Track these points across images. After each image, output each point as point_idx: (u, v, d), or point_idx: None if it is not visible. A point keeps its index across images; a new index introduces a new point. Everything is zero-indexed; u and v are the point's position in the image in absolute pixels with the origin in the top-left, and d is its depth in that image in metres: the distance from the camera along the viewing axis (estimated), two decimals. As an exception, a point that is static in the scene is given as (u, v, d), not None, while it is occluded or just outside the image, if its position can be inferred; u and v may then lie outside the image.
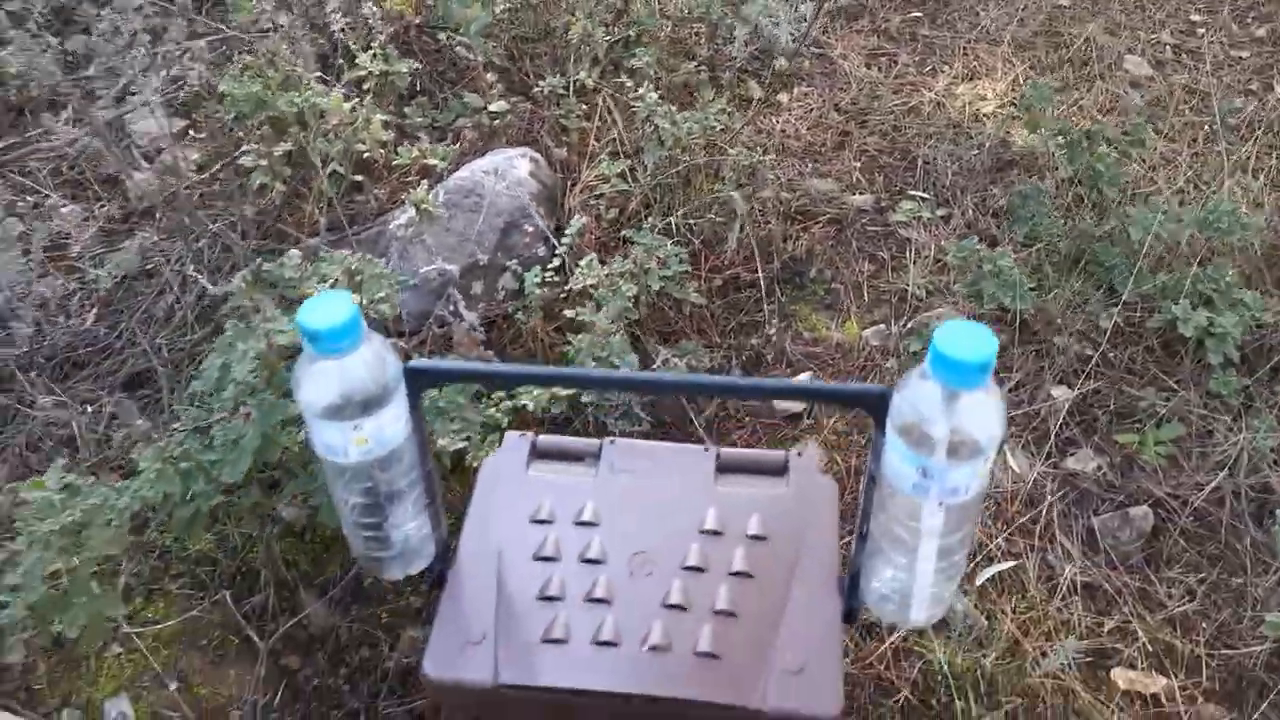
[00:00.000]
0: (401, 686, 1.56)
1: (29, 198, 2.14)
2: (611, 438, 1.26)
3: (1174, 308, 2.00)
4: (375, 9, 1.86)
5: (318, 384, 0.95)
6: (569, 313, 1.89)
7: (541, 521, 1.16)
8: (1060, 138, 2.22)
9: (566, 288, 1.93)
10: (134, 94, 2.38)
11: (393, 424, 0.99)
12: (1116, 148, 2.22)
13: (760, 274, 2.23)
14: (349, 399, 0.95)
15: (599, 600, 1.07)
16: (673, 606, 1.06)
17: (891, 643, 1.61)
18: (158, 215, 2.15)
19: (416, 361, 1.00)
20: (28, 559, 1.10)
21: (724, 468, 1.22)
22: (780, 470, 1.22)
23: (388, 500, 1.04)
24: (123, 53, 1.99)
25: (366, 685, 1.55)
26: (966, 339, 0.86)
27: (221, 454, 1.26)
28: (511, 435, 1.28)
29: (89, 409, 1.79)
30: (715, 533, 1.13)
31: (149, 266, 2.07)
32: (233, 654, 1.57)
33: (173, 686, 1.51)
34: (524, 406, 1.66)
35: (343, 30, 1.91)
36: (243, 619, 1.58)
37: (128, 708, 1.48)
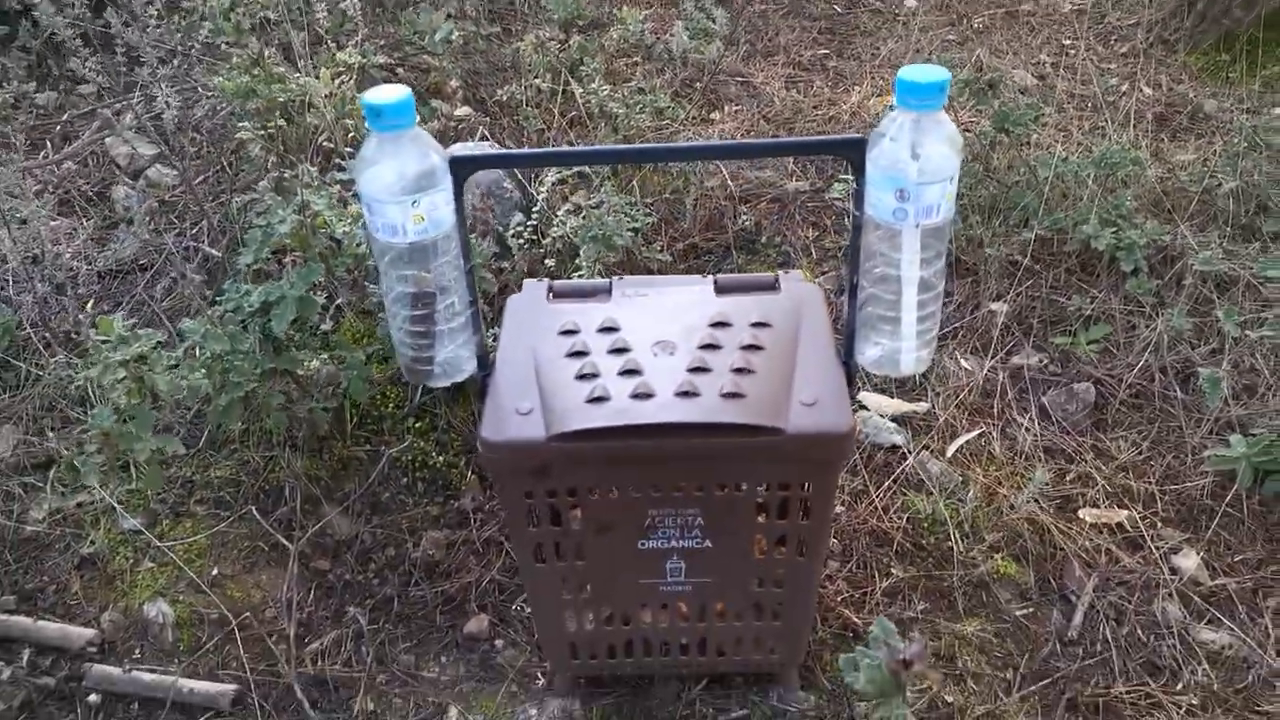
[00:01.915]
0: (428, 578, 1.63)
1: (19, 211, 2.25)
2: (619, 275, 1.41)
3: (1085, 228, 2.26)
4: (356, 3, 2.07)
5: (382, 167, 1.10)
6: (549, 262, 2.06)
7: (568, 332, 1.29)
8: (967, 87, 2.51)
9: (545, 244, 2.10)
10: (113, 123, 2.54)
11: (444, 205, 1.13)
12: (1017, 107, 2.52)
13: (716, 242, 2.44)
14: (405, 175, 1.10)
15: (631, 371, 1.20)
16: (697, 369, 1.20)
17: (881, 498, 1.74)
18: (150, 221, 2.27)
19: (459, 153, 1.16)
20: (105, 378, 1.18)
21: (722, 288, 1.38)
22: (772, 285, 1.38)
23: (440, 289, 1.17)
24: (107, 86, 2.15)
25: (396, 577, 1.62)
26: (924, 71, 1.06)
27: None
28: (529, 280, 1.42)
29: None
30: (724, 323, 1.28)
31: (142, 261, 2.18)
32: (262, 561, 1.62)
33: (207, 588, 1.55)
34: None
35: (329, 28, 2.11)
36: (270, 529, 1.64)
37: (166, 607, 1.51)
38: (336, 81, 1.98)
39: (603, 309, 1.33)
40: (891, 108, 1.09)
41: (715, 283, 1.39)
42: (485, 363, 1.26)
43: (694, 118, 3.04)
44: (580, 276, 1.96)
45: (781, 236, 2.53)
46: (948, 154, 1.09)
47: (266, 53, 2.11)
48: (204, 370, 1.36)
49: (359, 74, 2.13)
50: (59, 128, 2.68)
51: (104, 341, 1.29)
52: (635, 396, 1.16)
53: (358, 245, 1.58)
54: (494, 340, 1.35)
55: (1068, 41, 3.67)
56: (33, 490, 1.71)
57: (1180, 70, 3.36)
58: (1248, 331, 2.00)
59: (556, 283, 1.41)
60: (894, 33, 3.72)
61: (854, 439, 1.18)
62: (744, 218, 2.58)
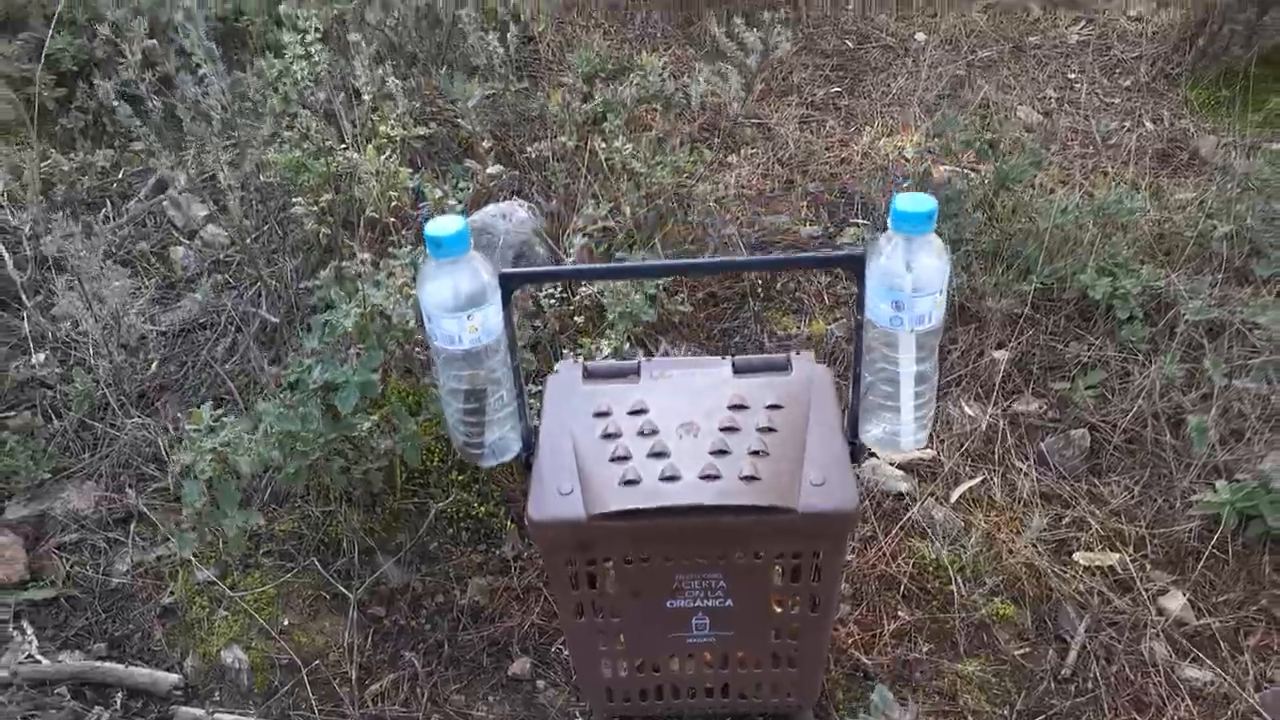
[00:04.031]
0: (474, 622, 1.79)
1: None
2: (646, 356, 1.56)
3: (1082, 278, 2.39)
4: (398, 82, 2.23)
5: (440, 286, 1.25)
6: (579, 319, 2.22)
7: (602, 414, 1.45)
8: (971, 146, 2.64)
9: (574, 301, 2.26)
10: (168, 187, 2.73)
11: (494, 317, 1.29)
12: (1019, 158, 2.65)
13: (733, 290, 2.59)
14: (460, 293, 1.25)
15: (659, 454, 1.35)
16: (718, 452, 1.35)
17: (889, 544, 1.89)
18: (205, 279, 2.44)
19: (507, 269, 1.31)
20: (198, 464, 1.35)
21: (739, 369, 1.53)
22: (785, 366, 1.53)
23: (490, 385, 1.33)
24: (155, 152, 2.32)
25: (445, 622, 1.78)
26: (915, 201, 1.21)
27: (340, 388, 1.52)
28: (564, 361, 1.58)
29: (170, 430, 2.04)
30: (741, 406, 1.44)
31: (202, 320, 2.36)
32: (324, 609, 1.79)
33: (276, 635, 1.72)
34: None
35: (372, 101, 2.27)
36: (331, 579, 1.81)
37: (241, 654, 1.68)
38: (381, 158, 2.14)
39: (632, 391, 1.48)
40: (887, 228, 1.24)
41: (733, 364, 1.54)
42: (529, 443, 1.42)
43: (712, 161, 3.19)
44: (610, 340, 2.10)
45: (795, 283, 2.68)
46: (937, 270, 1.23)
47: (313, 123, 2.28)
48: (276, 444, 1.53)
49: (401, 146, 2.29)
50: (115, 185, 2.86)
51: (195, 430, 1.46)
52: (664, 479, 1.32)
53: (407, 322, 1.74)
54: (536, 416, 1.50)
55: (1073, 75, 3.79)
56: (116, 544, 1.88)
57: (1182, 105, 3.48)
58: (1235, 381, 2.13)
59: (590, 364, 1.56)
60: (904, 68, 3.85)
61: (858, 515, 1.33)
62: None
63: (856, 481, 1.34)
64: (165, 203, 2.64)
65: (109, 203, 2.71)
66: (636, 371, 1.53)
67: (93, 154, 2.72)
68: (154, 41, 2.02)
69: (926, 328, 1.26)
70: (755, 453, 1.35)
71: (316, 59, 2.13)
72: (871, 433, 1.39)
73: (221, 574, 1.80)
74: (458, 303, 1.26)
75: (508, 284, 1.31)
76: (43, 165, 2.70)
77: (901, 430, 1.36)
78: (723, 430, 1.39)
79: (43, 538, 1.89)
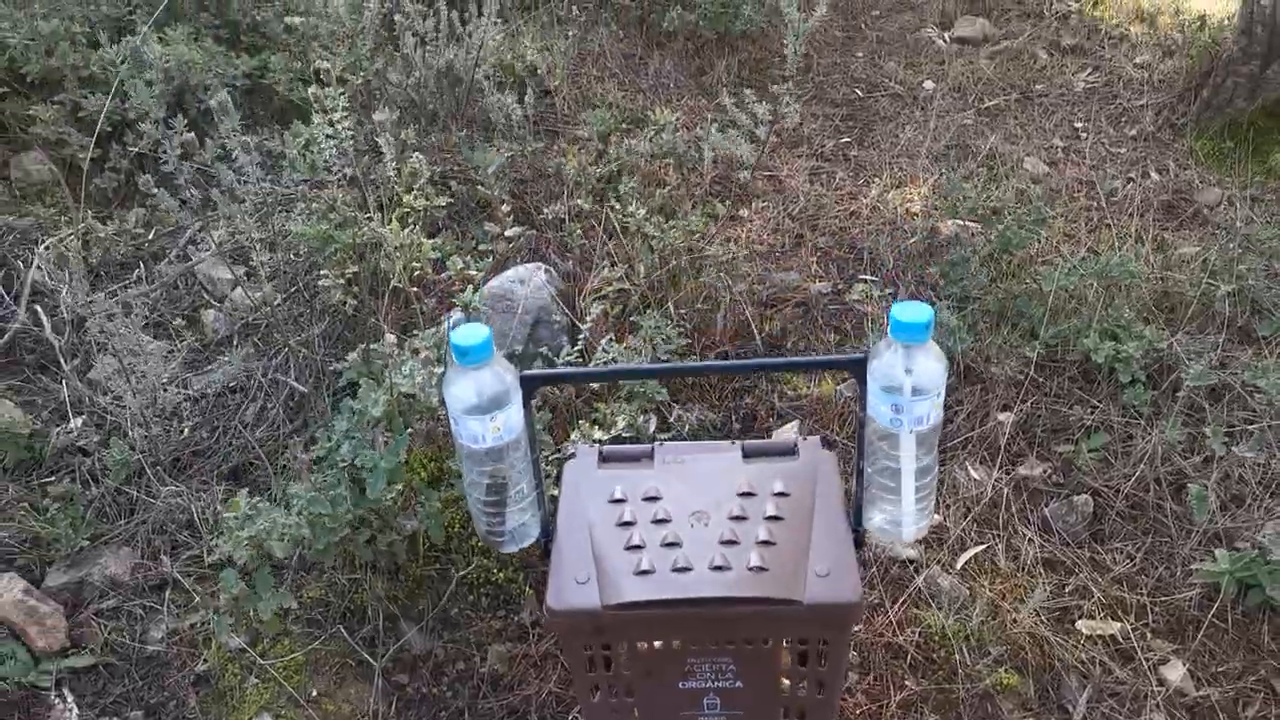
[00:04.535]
0: (494, 690, 1.86)
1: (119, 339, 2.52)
2: (660, 440, 1.63)
3: (1085, 341, 2.45)
4: (421, 158, 2.32)
5: (465, 389, 1.33)
6: (594, 385, 2.29)
7: (617, 501, 1.51)
8: (975, 214, 2.71)
9: (590, 364, 2.33)
10: (195, 245, 2.82)
11: (516, 416, 1.36)
12: (1021, 224, 2.71)
13: (745, 349, 2.66)
14: (484, 395, 1.33)
15: (671, 544, 1.42)
16: (727, 542, 1.42)
17: (896, 613, 1.95)
18: (235, 342, 2.53)
19: (528, 371, 1.39)
20: (235, 551, 1.43)
21: (749, 453, 1.60)
22: (792, 450, 1.60)
23: (511, 478, 1.40)
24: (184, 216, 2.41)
25: (466, 690, 1.85)
26: (913, 310, 1.27)
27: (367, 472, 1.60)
28: (581, 447, 1.65)
29: (203, 496, 2.12)
30: (750, 494, 1.50)
31: (232, 384, 2.44)
32: (350, 676, 1.86)
33: (305, 703, 1.79)
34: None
35: (395, 174, 2.36)
36: (356, 646, 1.88)
37: (271, 722, 1.76)
38: (405, 231, 2.22)
39: (647, 477, 1.55)
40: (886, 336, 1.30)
41: (743, 449, 1.60)
42: (548, 529, 1.49)
43: (724, 216, 3.27)
44: (625, 414, 2.17)
45: (805, 341, 2.75)
46: (935, 375, 1.30)
47: (339, 194, 2.37)
48: (306, 524, 1.61)
49: (425, 217, 2.37)
50: (148, 244, 2.96)
51: (233, 518, 1.54)
52: (676, 570, 1.38)
53: (429, 400, 1.82)
54: (555, 495, 1.57)
55: (1079, 124, 3.85)
56: (151, 611, 1.96)
57: (1187, 155, 3.54)
58: (1234, 448, 2.18)
59: (605, 448, 1.63)
60: (912, 118, 3.92)
61: (862, 606, 1.39)
62: (770, 323, 2.79)
63: (860, 571, 1.40)
64: (196, 265, 2.73)
65: (141, 264, 2.81)
66: (650, 456, 1.60)
67: (126, 216, 2.82)
68: (192, 135, 2.11)
69: (925, 428, 1.32)
70: (763, 543, 1.41)
71: (342, 136, 2.22)
72: (874, 520, 1.45)
73: (252, 641, 1.88)
74: (481, 405, 1.33)
75: (529, 385, 1.38)
76: (80, 223, 2.80)
77: (903, 520, 1.43)
78: (732, 519, 1.46)
79: (81, 604, 1.97)
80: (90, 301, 1.99)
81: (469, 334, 1.32)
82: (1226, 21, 3.88)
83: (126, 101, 3.05)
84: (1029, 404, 2.43)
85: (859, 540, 1.46)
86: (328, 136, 2.11)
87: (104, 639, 1.92)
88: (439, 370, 1.83)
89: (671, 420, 2.32)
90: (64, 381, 2.38)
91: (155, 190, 2.05)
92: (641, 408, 2.14)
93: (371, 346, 1.87)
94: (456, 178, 3.05)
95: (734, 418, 2.48)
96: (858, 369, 1.35)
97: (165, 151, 2.02)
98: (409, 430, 1.71)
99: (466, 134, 3.20)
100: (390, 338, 1.92)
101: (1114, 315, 2.52)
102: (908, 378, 1.30)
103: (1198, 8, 4.31)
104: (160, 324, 2.66)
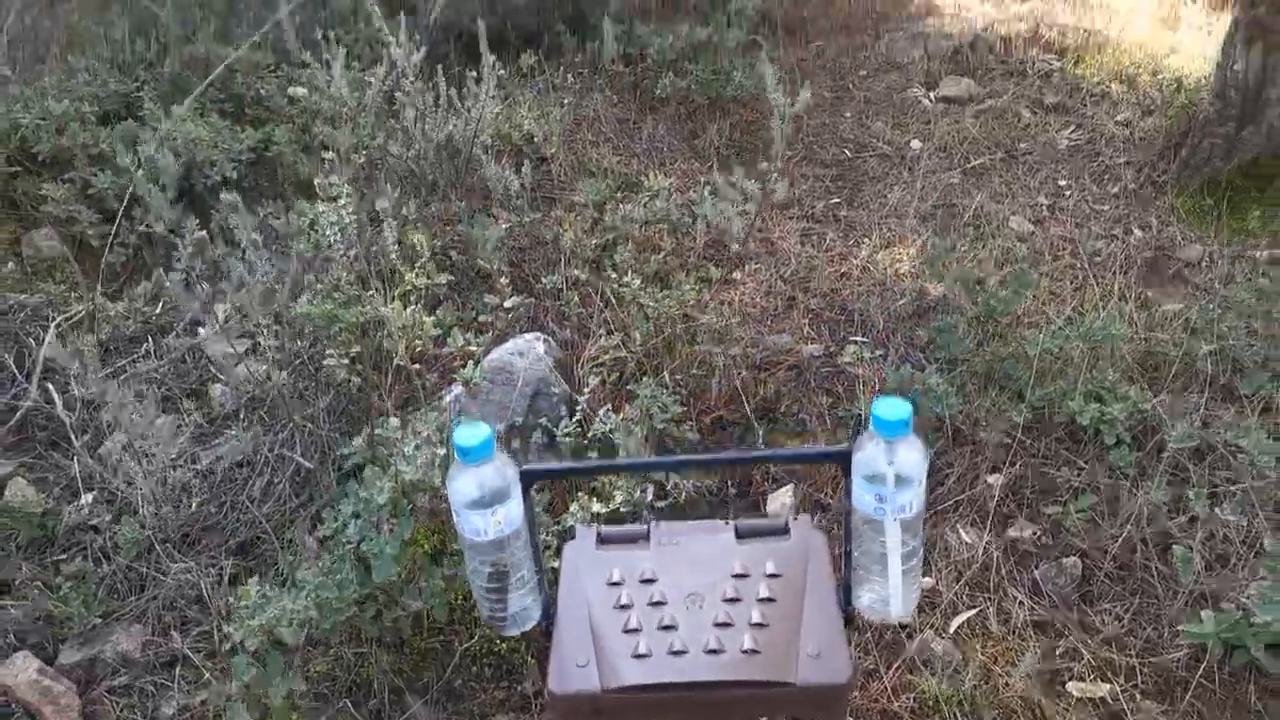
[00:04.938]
0: (499, 762, 1.90)
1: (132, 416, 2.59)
2: (656, 521, 1.69)
3: (1071, 404, 2.52)
4: (421, 239, 2.40)
5: (467, 485, 1.39)
6: (593, 454, 2.35)
7: (615, 584, 1.57)
8: (960, 284, 2.79)
9: (588, 436, 2.40)
10: (202, 325, 2.90)
11: (516, 509, 1.43)
12: (1007, 290, 2.79)
13: (739, 413, 2.72)
14: (485, 491, 1.39)
15: (668, 627, 1.48)
16: (721, 624, 1.47)
17: (891, 679, 1.99)
18: (241, 416, 2.60)
19: (527, 466, 1.45)
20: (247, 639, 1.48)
21: (742, 534, 1.66)
22: (784, 530, 1.66)
23: (512, 566, 1.46)
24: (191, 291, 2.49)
25: (471, 763, 1.89)
26: (892, 407, 1.34)
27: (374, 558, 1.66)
28: (580, 528, 1.71)
29: (211, 571, 2.17)
30: (744, 575, 1.56)
31: (239, 459, 2.50)
32: (357, 752, 1.90)
33: (313, 781, 1.84)
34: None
35: (396, 254, 2.45)
36: (363, 721, 1.92)
37: (280, 799, 1.79)
38: (407, 310, 2.30)
39: (643, 559, 1.60)
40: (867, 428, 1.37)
41: (736, 530, 1.66)
42: (549, 612, 1.55)
43: (718, 279, 3.35)
44: (621, 489, 2.23)
45: (799, 404, 2.81)
46: (916, 466, 1.36)
47: (343, 274, 2.45)
48: (314, 605, 1.66)
49: (426, 294, 2.46)
50: (156, 317, 3.04)
51: (244, 607, 1.59)
52: (672, 653, 1.44)
53: (432, 481, 1.88)
54: (555, 568, 1.63)
55: (1063, 182, 3.95)
56: (162, 688, 2.01)
57: (1169, 213, 3.63)
58: (1217, 509, 2.24)
59: (603, 529, 1.69)
60: (900, 178, 4.02)
61: (854, 685, 1.45)
62: (764, 386, 2.86)
63: (850, 650, 1.45)
64: (203, 340, 2.80)
65: (150, 338, 2.88)
66: (646, 536, 1.66)
67: (135, 292, 2.91)
68: (204, 233, 2.20)
69: (908, 515, 1.38)
70: (756, 625, 1.47)
71: (346, 220, 2.30)
72: (863, 600, 1.51)
73: (262, 717, 1.92)
74: (483, 500, 1.39)
75: (528, 479, 1.44)
76: (90, 303, 2.88)
77: (890, 599, 1.48)
78: (726, 601, 1.51)
79: (94, 681, 2.02)
80: (103, 390, 2.06)
81: (470, 435, 1.38)
82: (1203, 81, 3.99)
83: (134, 177, 3.15)
84: (1018, 466, 2.49)
85: (849, 619, 1.51)
86: (332, 223, 2.19)
87: (116, 716, 1.96)
88: (441, 451, 1.90)
89: (669, 488, 2.37)
90: (75, 458, 2.44)
91: (167, 283, 2.12)
92: (639, 481, 2.20)
93: (376, 431, 1.94)
94: (456, 248, 3.14)
95: (730, 483, 2.54)
96: (843, 461, 1.41)
97: (178, 252, 2.10)
98: (411, 509, 1.77)
99: (466, 204, 3.29)
100: (394, 421, 1.99)
101: (1098, 377, 2.59)
102: (890, 469, 1.36)
103: (1176, 66, 4.43)
104: (169, 398, 2.73)
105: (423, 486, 1.85)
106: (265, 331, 2.21)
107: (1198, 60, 4.39)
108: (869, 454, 1.37)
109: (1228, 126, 3.43)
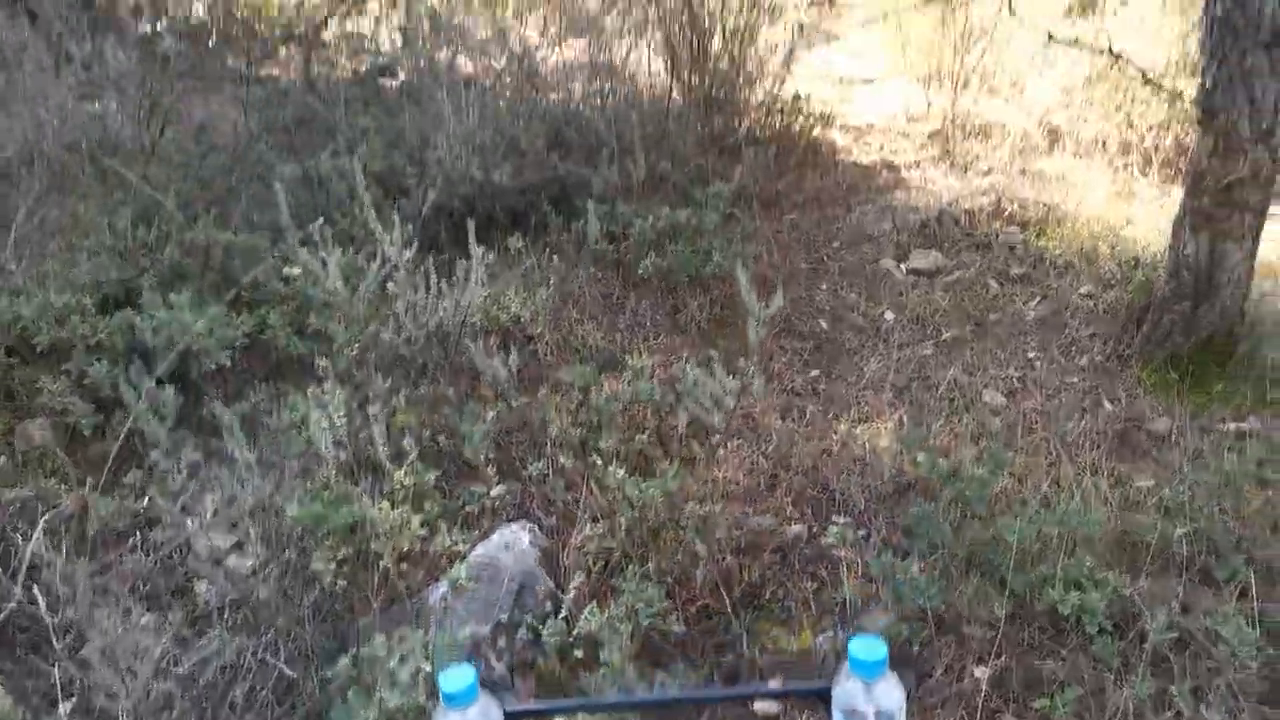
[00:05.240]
0: None
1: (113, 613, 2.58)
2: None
3: (1051, 592, 2.55)
4: (411, 420, 2.47)
5: (453, 725, 1.41)
6: (578, 652, 2.36)
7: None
8: (933, 473, 2.87)
9: (573, 633, 2.40)
10: (191, 516, 2.92)
11: (502, 748, 1.43)
12: (983, 469, 2.87)
13: (725, 601, 2.74)
14: (473, 735, 1.41)
15: None
16: None
17: None
18: (225, 615, 2.59)
19: (512, 707, 1.47)
20: None
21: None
22: (768, 754, 1.66)
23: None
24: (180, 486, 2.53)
25: None
26: (867, 648, 1.38)
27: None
28: (567, 755, 1.71)
29: (190, 789, 2.13)
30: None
31: (220, 663, 2.48)
32: None
33: None
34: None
35: (385, 451, 2.51)
36: None
37: None
38: (396, 512, 2.35)
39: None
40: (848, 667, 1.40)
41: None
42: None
43: (701, 458, 3.41)
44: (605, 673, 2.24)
45: (784, 590, 2.83)
46: (894, 700, 1.39)
47: (333, 473, 2.50)
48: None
49: (414, 494, 2.50)
50: (144, 509, 3.06)
51: None
52: None
53: (417, 700, 1.89)
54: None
55: (1032, 354, 4.09)
56: None
57: (1136, 385, 3.75)
58: (1201, 707, 2.25)
59: (589, 754, 1.69)
60: (875, 350, 4.16)
61: None
62: (749, 572, 2.88)
63: None
64: (190, 534, 2.82)
65: (138, 532, 2.89)
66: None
67: (124, 478, 2.94)
68: (199, 456, 2.26)
69: (890, 750, 1.40)
70: None
71: (337, 423, 2.37)
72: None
73: None
74: (469, 744, 1.40)
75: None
76: (80, 494, 2.90)
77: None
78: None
79: None
80: (89, 602, 2.07)
81: (455, 679, 1.40)
82: (1158, 256, 4.18)
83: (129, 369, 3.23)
84: (1003, 658, 2.49)
85: None
86: (324, 430, 2.25)
87: None
88: (426, 668, 1.91)
89: (656, 686, 2.36)
90: (55, 664, 2.42)
91: (155, 495, 2.17)
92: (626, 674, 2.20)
93: (361, 651, 1.95)
94: (444, 432, 3.21)
95: (715, 675, 2.53)
96: (823, 697, 1.44)
97: (171, 473, 2.15)
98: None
99: (454, 387, 3.38)
100: (379, 639, 2.00)
101: (1077, 565, 2.63)
102: (869, 707, 1.39)
103: (1133, 238, 4.66)
104: (153, 595, 2.72)
105: (407, 707, 1.85)
106: (251, 535, 2.24)
107: (1153, 232, 4.61)
108: (848, 691, 1.39)
109: (1184, 305, 3.59)
